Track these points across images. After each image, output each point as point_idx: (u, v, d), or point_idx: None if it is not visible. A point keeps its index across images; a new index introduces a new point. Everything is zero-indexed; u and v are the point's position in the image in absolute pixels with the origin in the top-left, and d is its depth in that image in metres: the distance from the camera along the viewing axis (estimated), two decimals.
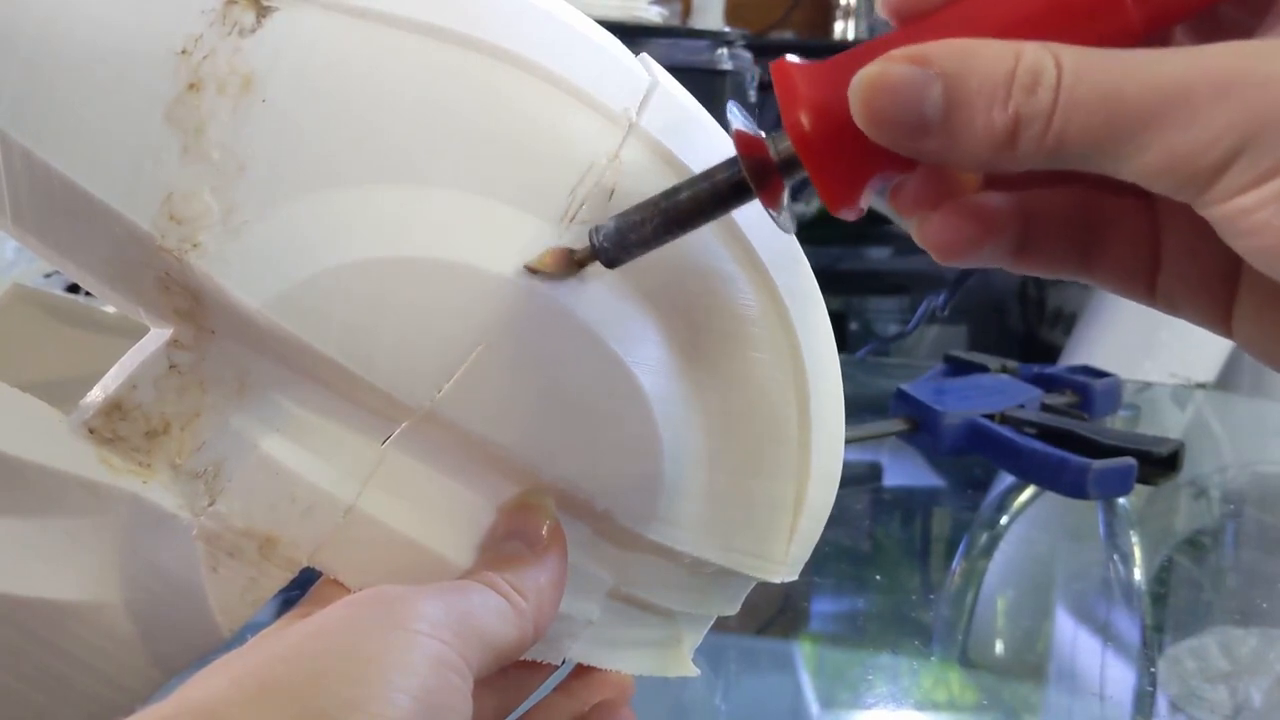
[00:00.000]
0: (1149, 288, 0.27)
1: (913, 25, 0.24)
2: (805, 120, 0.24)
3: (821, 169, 0.25)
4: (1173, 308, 0.27)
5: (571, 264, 0.28)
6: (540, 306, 0.28)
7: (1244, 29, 0.24)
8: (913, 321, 0.95)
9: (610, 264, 0.28)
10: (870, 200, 0.26)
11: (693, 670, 0.35)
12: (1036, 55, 0.22)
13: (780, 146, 0.25)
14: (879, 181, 0.25)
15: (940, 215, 0.26)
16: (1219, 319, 0.26)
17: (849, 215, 0.26)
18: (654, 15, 0.96)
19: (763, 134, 0.26)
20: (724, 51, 0.88)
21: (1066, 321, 1.52)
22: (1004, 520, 0.71)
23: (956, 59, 0.22)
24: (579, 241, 0.28)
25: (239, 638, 0.28)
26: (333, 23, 0.28)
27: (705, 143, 0.31)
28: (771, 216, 0.27)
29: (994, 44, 0.22)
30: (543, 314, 0.28)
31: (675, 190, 0.27)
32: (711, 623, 0.36)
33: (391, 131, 0.27)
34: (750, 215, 0.31)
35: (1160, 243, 0.27)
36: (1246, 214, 0.21)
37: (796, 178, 0.26)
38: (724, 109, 0.27)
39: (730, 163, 0.27)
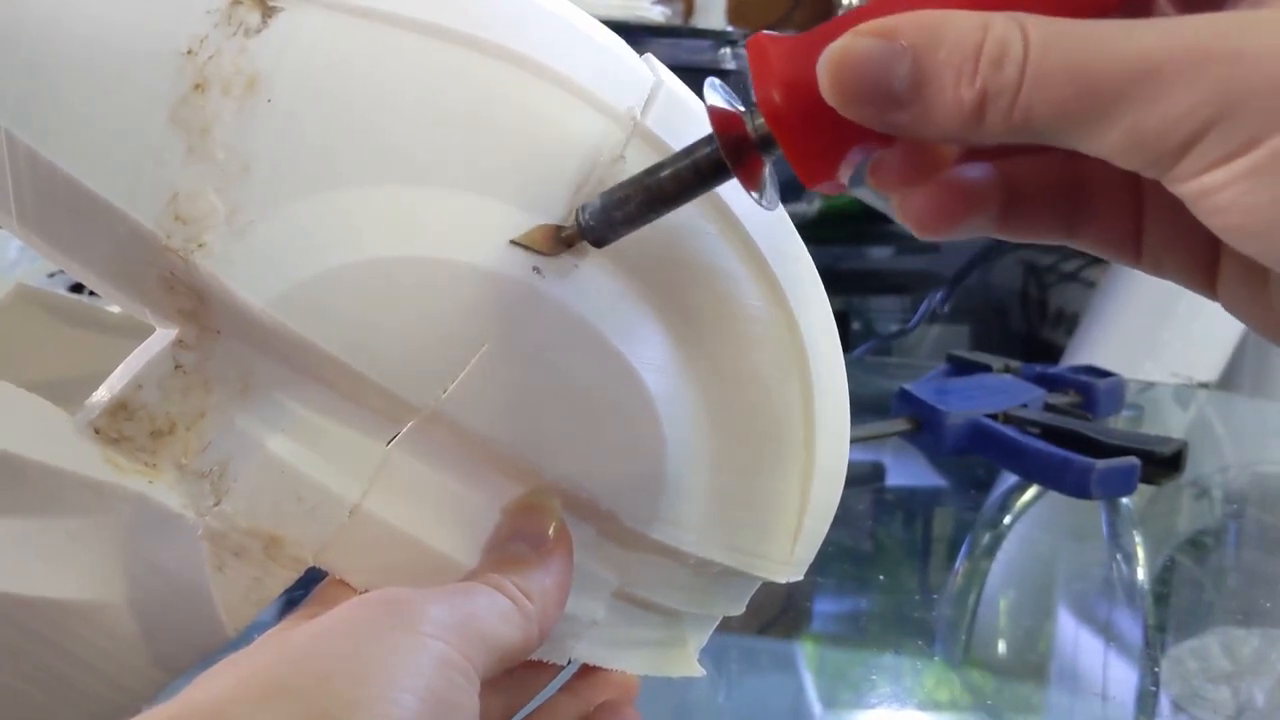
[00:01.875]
0: (1135, 252, 0.27)
1: None
2: (777, 95, 0.24)
3: (794, 144, 0.24)
4: (1159, 271, 0.27)
5: (559, 241, 0.28)
6: (545, 307, 0.28)
7: None
8: (914, 320, 0.95)
9: (597, 242, 0.28)
10: (849, 175, 0.25)
11: (698, 670, 0.34)
12: (1005, 27, 0.21)
13: (757, 123, 0.25)
14: (857, 155, 0.25)
15: (921, 190, 0.26)
16: (1204, 283, 0.26)
17: (827, 189, 0.25)
18: (656, 15, 0.96)
19: (741, 109, 0.26)
20: (726, 51, 0.88)
21: (1069, 322, 1.51)
22: (1007, 520, 0.70)
23: (925, 32, 0.22)
24: None
25: (244, 638, 0.28)
26: (335, 23, 0.28)
27: None
28: (751, 196, 0.26)
29: (963, 15, 0.22)
30: (548, 315, 0.28)
31: (658, 167, 0.27)
32: (717, 623, 0.36)
33: (394, 131, 0.27)
34: (753, 212, 0.31)
35: (1144, 209, 0.26)
36: (1213, 192, 0.21)
37: (775, 154, 0.25)
38: None
39: (709, 139, 0.26)
